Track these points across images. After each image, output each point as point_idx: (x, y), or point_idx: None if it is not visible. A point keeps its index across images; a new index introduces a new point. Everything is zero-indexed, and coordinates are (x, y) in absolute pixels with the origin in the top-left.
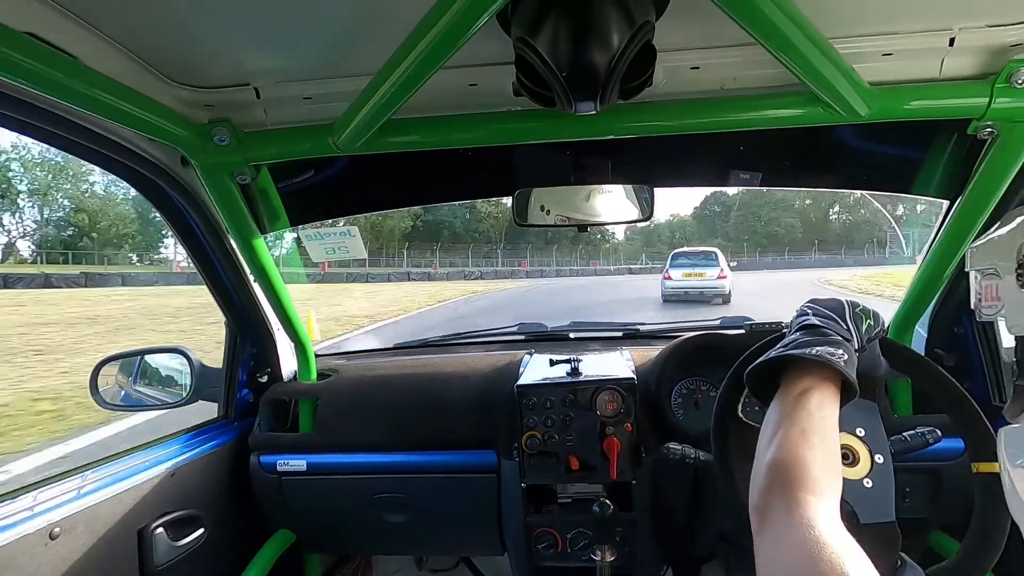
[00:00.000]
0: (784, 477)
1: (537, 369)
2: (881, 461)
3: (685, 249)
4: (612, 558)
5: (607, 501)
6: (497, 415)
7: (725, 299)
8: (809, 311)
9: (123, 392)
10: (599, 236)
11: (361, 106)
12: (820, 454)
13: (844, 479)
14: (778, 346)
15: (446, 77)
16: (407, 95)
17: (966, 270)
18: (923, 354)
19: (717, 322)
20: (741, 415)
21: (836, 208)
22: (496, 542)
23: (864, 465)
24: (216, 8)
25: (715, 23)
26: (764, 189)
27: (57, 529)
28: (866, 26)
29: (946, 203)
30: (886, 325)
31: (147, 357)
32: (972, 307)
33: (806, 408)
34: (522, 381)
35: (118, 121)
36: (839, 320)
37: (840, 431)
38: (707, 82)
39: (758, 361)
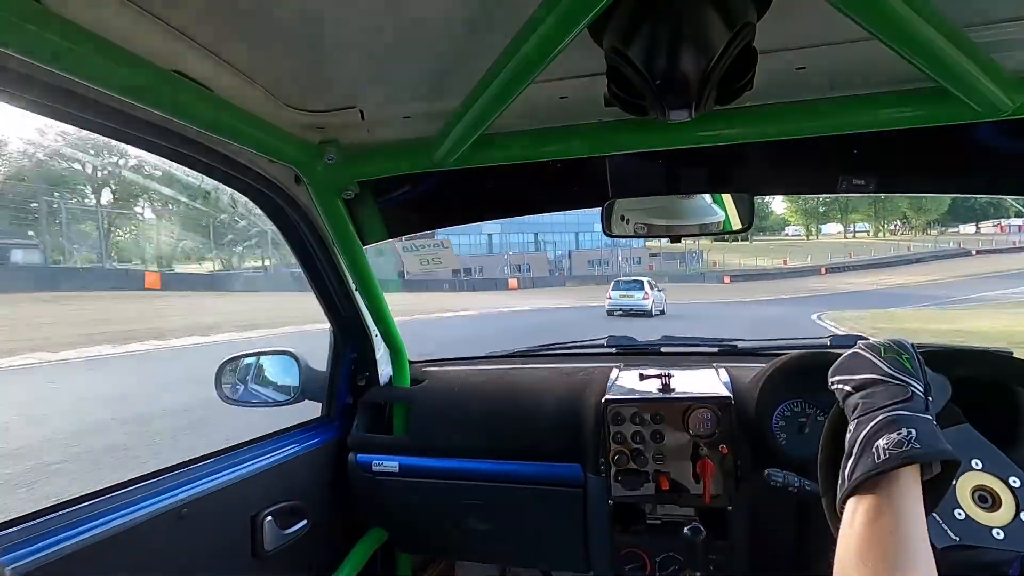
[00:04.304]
0: None
1: (626, 383)
2: (1017, 484)
3: (621, 277)
4: None
5: (699, 526)
6: (584, 429)
7: (660, 312)
8: (851, 389)
9: (241, 389)
10: None
11: (456, 122)
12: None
13: (993, 529)
14: (847, 464)
15: (537, 91)
16: (500, 110)
17: None
18: None
19: (827, 341)
20: None
21: None
22: (580, 559)
23: (1008, 500)
24: (331, 39)
25: (824, 19)
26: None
27: (185, 510)
28: (1007, 9)
29: None
30: (912, 345)
31: (262, 359)
32: None
33: (864, 520)
34: (610, 395)
35: (244, 144)
36: (886, 379)
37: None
38: (814, 83)
39: (827, 507)
